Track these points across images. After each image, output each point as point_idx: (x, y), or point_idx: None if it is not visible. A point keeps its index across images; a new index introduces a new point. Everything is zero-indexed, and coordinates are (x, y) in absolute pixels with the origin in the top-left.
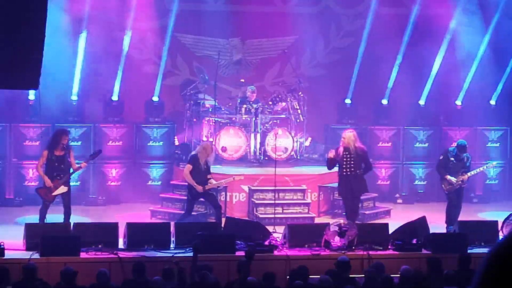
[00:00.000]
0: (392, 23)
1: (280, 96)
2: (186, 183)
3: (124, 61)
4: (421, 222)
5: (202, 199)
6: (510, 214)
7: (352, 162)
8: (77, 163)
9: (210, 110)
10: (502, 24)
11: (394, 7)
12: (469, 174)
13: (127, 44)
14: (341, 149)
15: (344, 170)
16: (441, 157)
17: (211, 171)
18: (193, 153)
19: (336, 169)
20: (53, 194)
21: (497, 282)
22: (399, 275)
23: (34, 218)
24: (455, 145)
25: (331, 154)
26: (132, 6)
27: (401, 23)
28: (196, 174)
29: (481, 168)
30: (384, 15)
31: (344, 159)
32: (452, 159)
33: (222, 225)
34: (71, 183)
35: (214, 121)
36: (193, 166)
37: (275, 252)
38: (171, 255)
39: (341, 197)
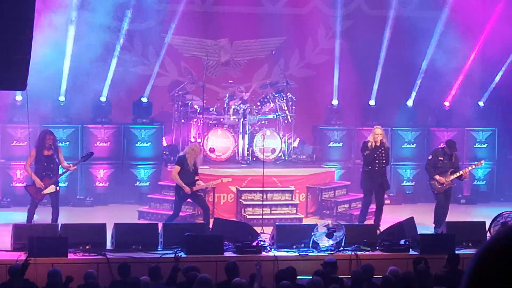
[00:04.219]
0: (379, 24)
1: (268, 97)
2: (174, 184)
3: (112, 62)
4: (409, 223)
5: (190, 200)
6: (498, 215)
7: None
8: (67, 164)
9: (198, 111)
10: (494, 25)
11: (382, 9)
12: (467, 169)
13: (115, 45)
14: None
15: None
16: (430, 157)
17: (199, 172)
18: (181, 154)
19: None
20: (43, 193)
21: (485, 282)
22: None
23: (21, 217)
24: (444, 145)
25: None
26: (121, 6)
27: (389, 24)
28: (184, 175)
29: (473, 166)
30: (371, 16)
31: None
32: (441, 158)
33: (210, 226)
34: (59, 184)
35: (202, 122)
36: (181, 167)
37: (263, 253)
38: (159, 255)
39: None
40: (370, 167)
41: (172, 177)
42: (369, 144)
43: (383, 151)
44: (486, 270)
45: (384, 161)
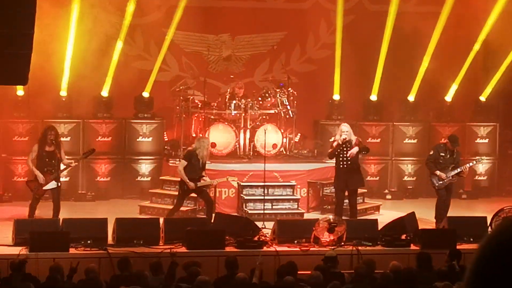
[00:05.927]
0: (380, 19)
1: (269, 92)
2: (177, 179)
3: (114, 57)
4: (410, 218)
5: (194, 195)
6: (499, 210)
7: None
8: (67, 159)
9: (200, 106)
10: (496, 19)
11: (383, 3)
12: (467, 166)
13: (116, 40)
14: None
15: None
16: (431, 152)
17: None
18: (189, 148)
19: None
20: (43, 188)
21: (488, 277)
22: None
23: (23, 212)
24: (445, 140)
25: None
26: (122, 1)
27: (390, 19)
28: (190, 170)
29: (475, 162)
30: (373, 11)
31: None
32: (443, 154)
33: (212, 221)
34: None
35: (203, 117)
36: (188, 162)
37: (264, 248)
38: (160, 250)
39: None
40: (336, 165)
41: (177, 172)
42: (334, 142)
43: (348, 149)
44: (489, 265)
45: (349, 159)
